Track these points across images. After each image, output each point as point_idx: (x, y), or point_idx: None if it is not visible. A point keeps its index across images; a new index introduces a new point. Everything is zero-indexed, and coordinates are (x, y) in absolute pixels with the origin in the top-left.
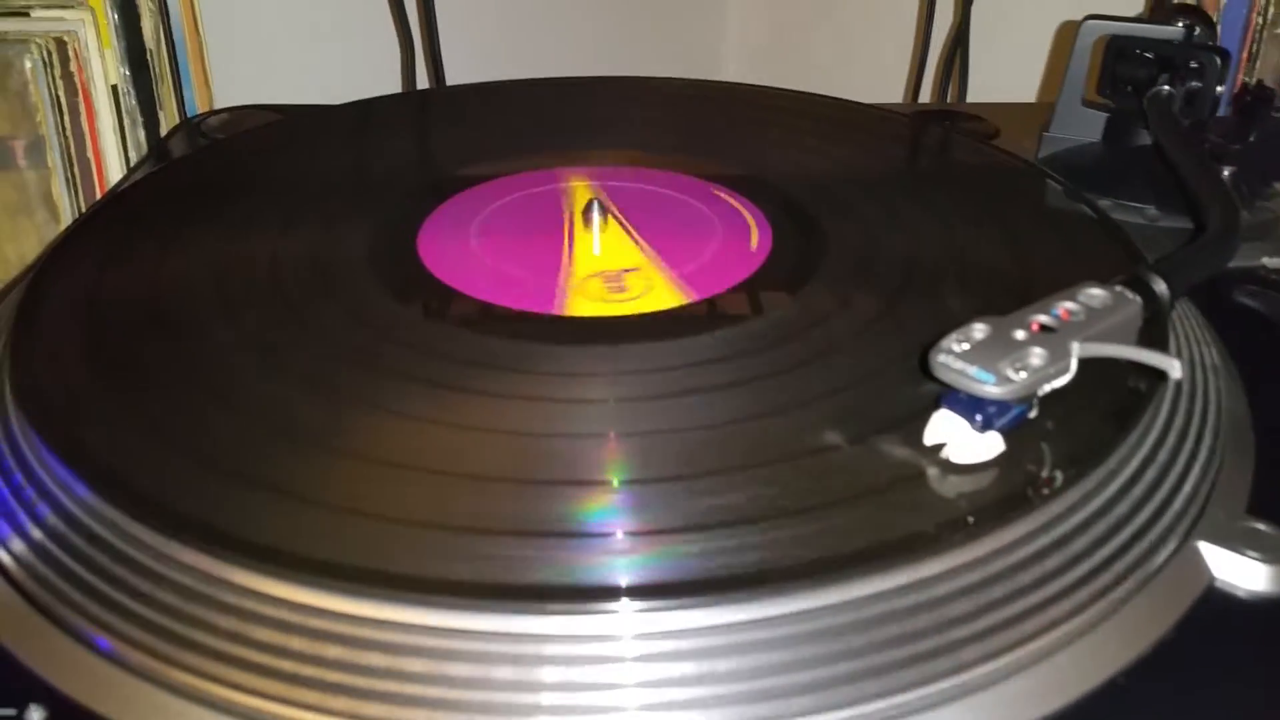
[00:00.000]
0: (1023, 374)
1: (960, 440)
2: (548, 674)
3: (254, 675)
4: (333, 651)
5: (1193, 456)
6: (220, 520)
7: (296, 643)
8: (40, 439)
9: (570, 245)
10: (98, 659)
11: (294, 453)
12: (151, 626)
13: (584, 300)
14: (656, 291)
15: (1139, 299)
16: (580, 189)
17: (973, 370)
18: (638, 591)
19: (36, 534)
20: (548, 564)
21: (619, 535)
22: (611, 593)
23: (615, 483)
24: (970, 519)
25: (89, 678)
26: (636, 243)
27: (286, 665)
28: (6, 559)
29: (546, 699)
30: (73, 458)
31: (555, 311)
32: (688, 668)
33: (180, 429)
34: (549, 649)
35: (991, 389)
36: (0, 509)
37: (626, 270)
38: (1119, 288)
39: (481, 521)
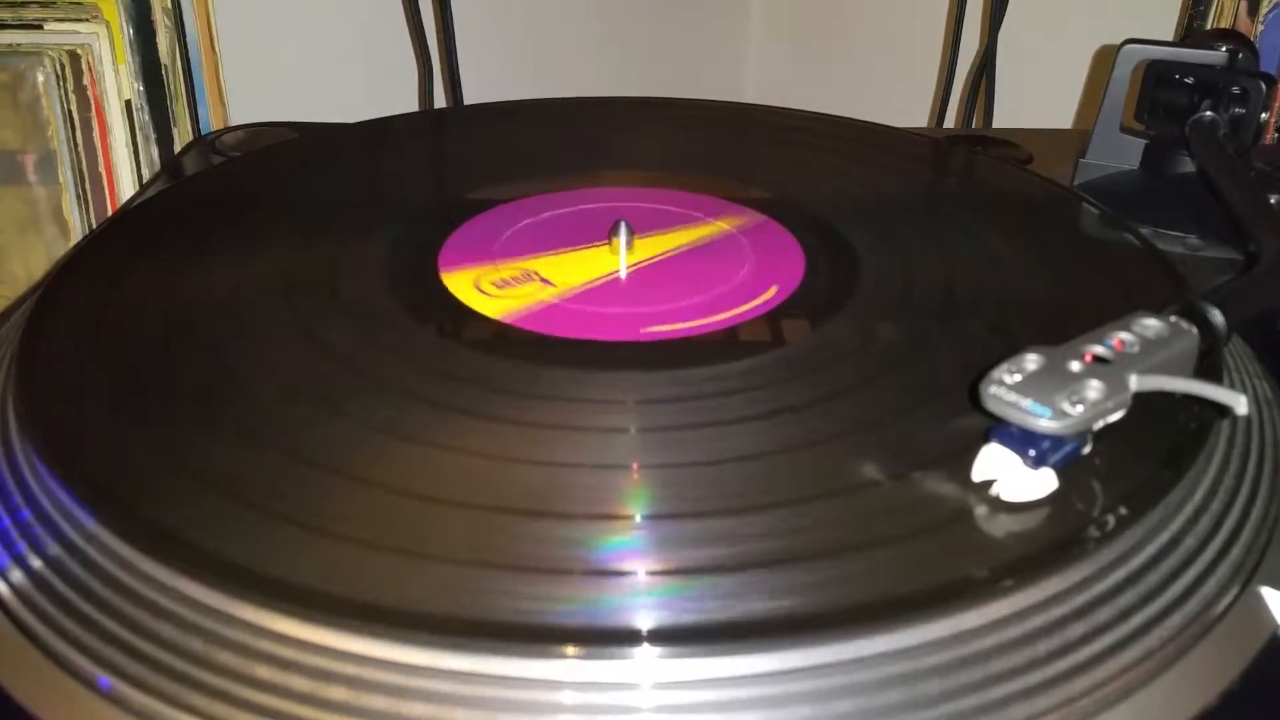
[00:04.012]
0: (1079, 407)
1: (1011, 477)
2: None
3: (259, 717)
4: (337, 693)
5: (1253, 496)
6: (232, 553)
7: (300, 683)
8: (43, 463)
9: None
10: (97, 699)
11: (307, 482)
12: (156, 665)
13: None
14: None
15: (1195, 330)
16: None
17: (1026, 403)
18: (658, 636)
19: (36, 564)
20: (560, 604)
21: (639, 574)
22: (630, 636)
23: (635, 518)
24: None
25: (87, 719)
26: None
27: (290, 707)
28: (4, 590)
29: None
30: (77, 484)
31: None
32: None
33: (191, 456)
34: (561, 696)
35: (1047, 423)
36: None
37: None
38: (1174, 318)
39: (490, 556)
